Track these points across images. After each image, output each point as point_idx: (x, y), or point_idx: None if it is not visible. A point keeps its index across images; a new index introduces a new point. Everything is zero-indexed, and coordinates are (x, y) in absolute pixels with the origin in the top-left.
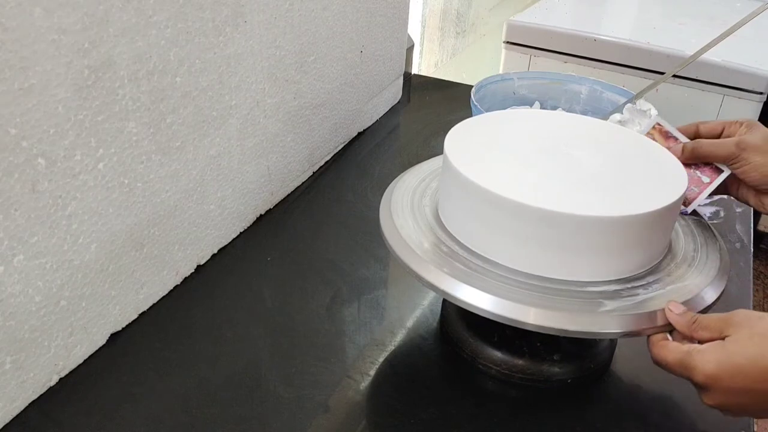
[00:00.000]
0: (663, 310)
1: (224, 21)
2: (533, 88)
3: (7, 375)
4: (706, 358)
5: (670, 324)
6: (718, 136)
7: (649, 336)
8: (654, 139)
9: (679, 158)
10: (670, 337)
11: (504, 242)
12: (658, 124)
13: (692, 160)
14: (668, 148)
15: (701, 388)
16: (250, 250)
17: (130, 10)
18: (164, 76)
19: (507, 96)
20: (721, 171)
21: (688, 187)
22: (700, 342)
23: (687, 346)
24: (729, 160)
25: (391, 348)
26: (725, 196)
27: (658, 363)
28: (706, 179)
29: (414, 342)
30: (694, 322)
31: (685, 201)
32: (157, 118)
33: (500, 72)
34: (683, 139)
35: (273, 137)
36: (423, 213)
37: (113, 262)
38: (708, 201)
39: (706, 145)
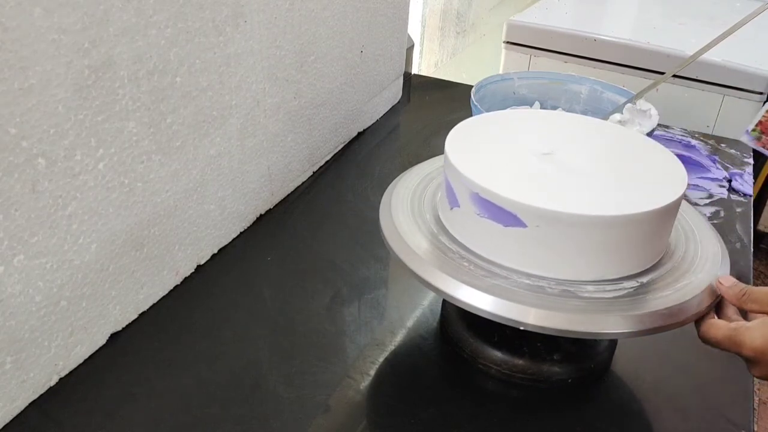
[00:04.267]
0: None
1: (224, 21)
2: (533, 88)
3: (7, 375)
4: (754, 334)
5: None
6: None
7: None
8: None
9: None
10: (715, 316)
11: (504, 242)
12: None
13: None
14: None
15: (750, 361)
16: (250, 250)
17: (130, 10)
18: (164, 76)
19: (507, 96)
20: None
21: None
22: (746, 313)
23: (734, 324)
24: None
25: (391, 348)
26: (724, 197)
27: (707, 340)
28: None
29: (414, 342)
30: (743, 294)
31: None
32: (157, 118)
33: (500, 72)
34: None
35: (273, 137)
36: (423, 213)
37: (113, 262)
38: (708, 201)
39: None
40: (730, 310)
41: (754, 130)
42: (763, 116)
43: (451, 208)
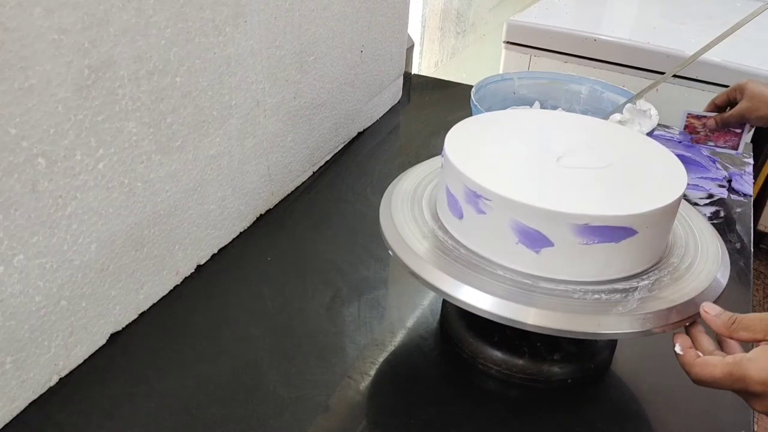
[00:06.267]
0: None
1: (224, 21)
2: (533, 88)
3: (7, 375)
4: (759, 366)
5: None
6: (729, 103)
7: (678, 357)
8: (692, 123)
9: (715, 127)
10: (700, 354)
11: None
12: (689, 113)
13: (726, 126)
14: (703, 124)
15: (755, 396)
16: (250, 250)
17: (130, 10)
18: (164, 76)
19: (507, 96)
20: (744, 126)
21: (728, 140)
22: (724, 343)
23: (732, 357)
24: (747, 112)
25: (391, 348)
26: (724, 197)
27: (702, 381)
28: (737, 131)
29: (414, 342)
30: (733, 323)
31: (733, 147)
32: (157, 118)
33: (500, 72)
34: (710, 114)
35: (273, 137)
36: (423, 213)
37: (113, 262)
38: (708, 201)
39: (728, 114)
40: (705, 341)
41: (685, 128)
42: (686, 122)
43: (538, 252)
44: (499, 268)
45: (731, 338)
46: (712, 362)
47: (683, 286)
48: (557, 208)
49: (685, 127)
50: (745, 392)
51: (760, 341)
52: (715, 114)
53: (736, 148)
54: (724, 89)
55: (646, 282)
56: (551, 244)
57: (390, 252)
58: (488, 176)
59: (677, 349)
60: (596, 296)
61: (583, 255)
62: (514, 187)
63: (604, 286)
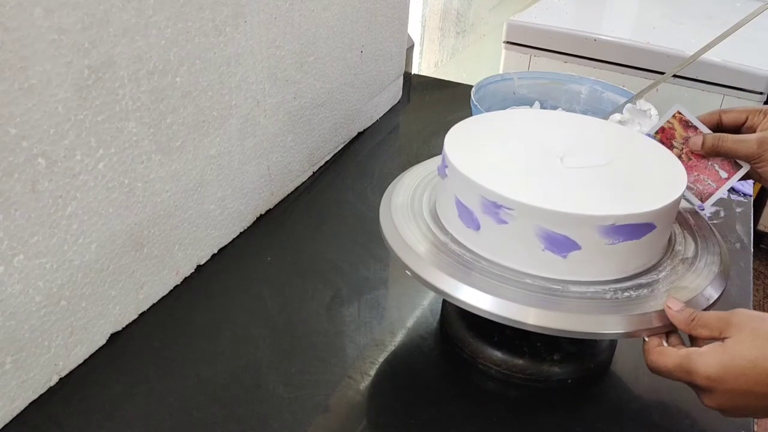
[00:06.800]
0: (662, 310)
1: (224, 21)
2: (533, 88)
3: (7, 375)
4: (707, 361)
5: (670, 325)
6: (741, 125)
7: (644, 343)
8: (673, 127)
9: (698, 150)
10: (665, 343)
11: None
12: (679, 112)
13: (712, 155)
14: (686, 138)
15: (702, 390)
16: (250, 250)
17: (130, 10)
18: (164, 76)
19: (507, 96)
20: (740, 167)
21: (702, 181)
22: (695, 339)
23: (685, 350)
24: (750, 159)
25: (391, 348)
26: (724, 197)
27: (656, 369)
28: (723, 174)
29: (414, 342)
30: (693, 320)
31: (702, 196)
32: (157, 118)
33: (500, 72)
34: (704, 129)
35: (273, 137)
36: (422, 213)
37: (113, 262)
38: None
39: (729, 141)
40: (675, 337)
41: (657, 133)
42: (667, 122)
43: (565, 256)
44: (527, 276)
45: (691, 334)
46: (666, 352)
47: (684, 285)
48: (584, 211)
49: (661, 129)
50: (694, 385)
51: (717, 339)
52: (710, 133)
53: (704, 198)
54: (740, 107)
55: (664, 273)
56: (578, 248)
57: (390, 252)
58: (506, 185)
59: (645, 335)
60: (627, 294)
61: (609, 254)
62: (536, 194)
63: (628, 283)
